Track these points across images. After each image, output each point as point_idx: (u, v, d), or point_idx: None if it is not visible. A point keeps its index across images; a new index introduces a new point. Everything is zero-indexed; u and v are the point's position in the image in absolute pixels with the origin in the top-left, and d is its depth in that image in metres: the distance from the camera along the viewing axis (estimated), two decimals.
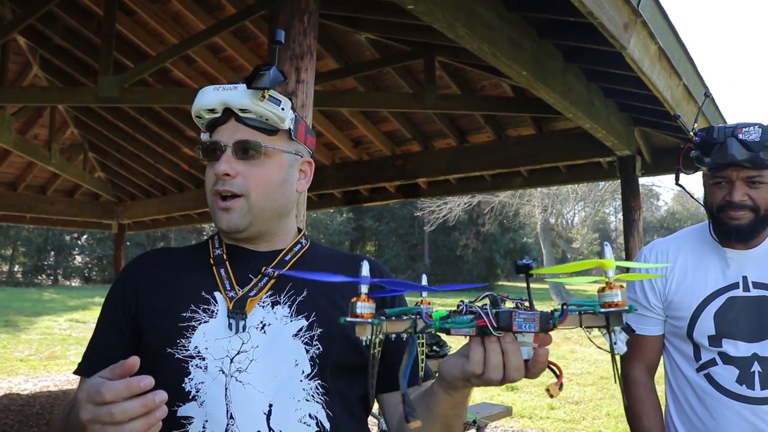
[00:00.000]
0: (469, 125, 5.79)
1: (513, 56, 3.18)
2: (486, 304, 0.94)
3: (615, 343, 0.90)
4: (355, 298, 0.91)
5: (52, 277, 35.74)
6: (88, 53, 5.67)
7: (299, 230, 1.41)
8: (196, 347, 1.17)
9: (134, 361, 0.95)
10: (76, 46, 5.65)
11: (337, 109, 5.57)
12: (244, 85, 1.22)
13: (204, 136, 1.31)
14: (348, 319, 0.90)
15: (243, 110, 1.23)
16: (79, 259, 37.22)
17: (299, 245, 1.36)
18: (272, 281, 1.26)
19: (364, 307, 0.91)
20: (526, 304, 0.95)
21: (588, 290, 36.07)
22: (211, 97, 1.25)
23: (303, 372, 1.18)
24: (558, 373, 0.96)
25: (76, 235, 35.97)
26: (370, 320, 0.91)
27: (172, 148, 7.33)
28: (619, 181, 5.29)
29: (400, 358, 1.33)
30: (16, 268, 35.36)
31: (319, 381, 1.20)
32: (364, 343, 0.92)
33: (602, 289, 0.89)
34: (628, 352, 2.01)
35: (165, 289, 1.26)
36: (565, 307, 0.92)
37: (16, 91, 5.56)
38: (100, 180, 8.94)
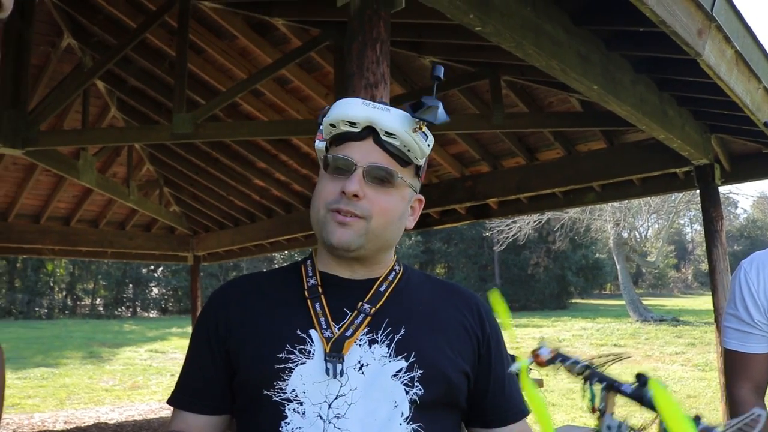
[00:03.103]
0: (537, 143, 5.72)
1: (583, 71, 3.13)
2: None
3: None
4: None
5: (131, 309, 36.89)
6: (161, 92, 5.90)
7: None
8: (293, 390, 1.14)
9: None
10: (150, 86, 5.89)
11: None
12: (396, 110, 1.18)
13: (319, 144, 1.26)
14: None
15: (389, 134, 1.18)
16: (156, 291, 38.30)
17: (393, 273, 1.30)
18: (369, 318, 1.20)
19: None
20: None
21: (666, 305, 34.83)
22: (358, 110, 1.18)
23: (402, 415, 1.14)
24: None
25: (152, 268, 37.13)
26: None
27: (244, 180, 7.51)
28: (694, 191, 5.10)
29: (501, 390, 1.29)
30: (97, 301, 36.72)
31: (417, 423, 1.15)
32: None
33: None
34: (733, 371, 1.84)
35: (258, 325, 1.22)
36: None
37: (97, 132, 5.84)
38: (175, 214, 9.23)
